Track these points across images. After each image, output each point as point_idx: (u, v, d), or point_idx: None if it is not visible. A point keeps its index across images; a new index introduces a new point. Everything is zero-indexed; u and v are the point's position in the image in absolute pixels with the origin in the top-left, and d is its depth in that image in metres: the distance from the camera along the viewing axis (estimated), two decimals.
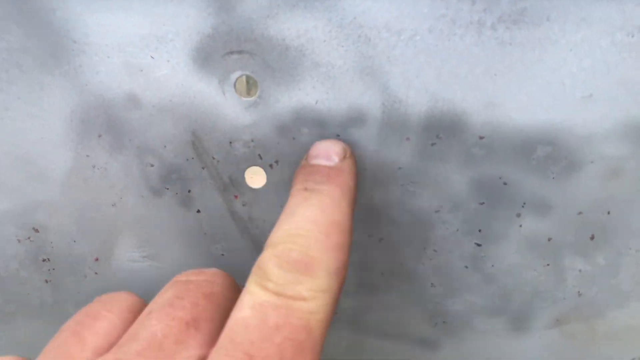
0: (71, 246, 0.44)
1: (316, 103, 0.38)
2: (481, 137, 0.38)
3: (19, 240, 0.45)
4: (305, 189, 0.34)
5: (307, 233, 0.30)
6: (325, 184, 0.34)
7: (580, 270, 0.41)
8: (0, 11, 0.38)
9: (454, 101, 0.37)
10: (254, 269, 0.30)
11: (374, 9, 0.35)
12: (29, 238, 0.45)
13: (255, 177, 0.41)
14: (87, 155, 0.41)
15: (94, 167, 0.42)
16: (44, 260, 0.45)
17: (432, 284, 0.43)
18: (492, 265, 0.41)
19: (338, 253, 0.30)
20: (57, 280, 0.46)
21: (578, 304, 0.42)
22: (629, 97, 0.36)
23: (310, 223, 0.31)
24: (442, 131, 0.38)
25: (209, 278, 0.34)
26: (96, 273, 0.45)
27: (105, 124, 0.40)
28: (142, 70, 0.39)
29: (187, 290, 0.32)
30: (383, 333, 0.45)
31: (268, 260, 0.29)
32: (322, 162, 0.37)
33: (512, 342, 0.44)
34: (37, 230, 0.44)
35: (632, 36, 0.35)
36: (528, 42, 0.36)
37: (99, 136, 0.41)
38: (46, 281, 0.46)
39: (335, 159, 0.37)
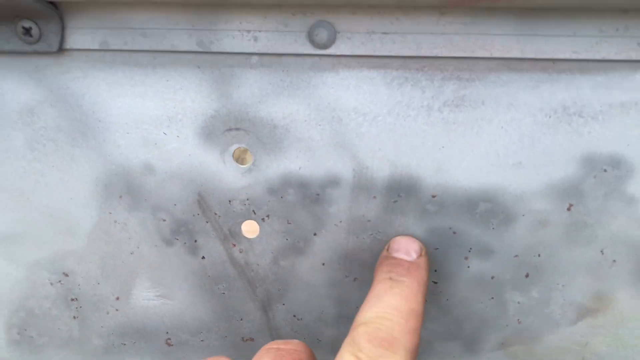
0: (95, 288, 0.52)
1: (299, 169, 0.47)
2: (433, 196, 0.47)
3: (51, 284, 0.53)
4: (390, 279, 0.42)
5: (391, 317, 0.37)
6: (406, 277, 0.42)
7: (518, 302, 0.49)
8: (40, 97, 0.47)
9: (411, 167, 0.46)
10: (348, 341, 0.37)
11: (344, 96, 0.44)
12: (59, 281, 0.53)
13: (250, 229, 0.49)
14: (110, 213, 0.50)
15: (115, 222, 0.50)
16: (72, 299, 0.53)
17: None
18: (447, 299, 0.50)
19: (414, 336, 0.37)
20: (83, 317, 0.54)
21: (518, 330, 0.51)
22: (550, 164, 0.45)
23: (394, 309, 0.38)
24: (402, 191, 0.47)
25: (295, 347, 0.40)
26: (117, 310, 0.53)
27: (125, 187, 0.49)
28: (156, 144, 0.47)
29: (281, 356, 0.38)
30: None
31: (361, 336, 0.36)
32: (403, 256, 0.45)
33: None
34: (66, 275, 0.52)
35: (549, 117, 0.44)
36: (468, 122, 0.44)
37: (120, 197, 0.49)
38: (74, 317, 0.54)
39: (413, 255, 0.45)
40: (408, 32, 0.42)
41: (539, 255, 0.48)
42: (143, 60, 0.45)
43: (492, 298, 0.49)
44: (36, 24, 0.44)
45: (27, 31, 0.44)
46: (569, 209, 0.46)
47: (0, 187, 0.50)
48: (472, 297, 0.49)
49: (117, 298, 0.53)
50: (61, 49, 0.45)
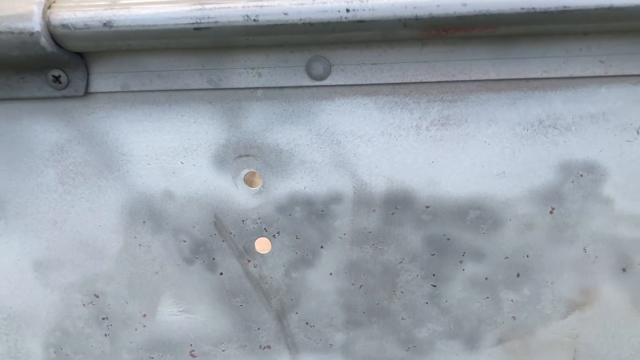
0: (124, 306, 0.57)
1: (304, 188, 0.52)
2: (427, 207, 0.51)
3: (83, 305, 0.58)
4: None
5: None
6: None
7: (512, 300, 0.54)
8: (68, 136, 0.52)
9: (405, 182, 0.51)
10: None
11: (341, 121, 0.49)
12: (91, 302, 0.57)
13: (263, 246, 0.54)
14: (135, 237, 0.55)
15: (140, 245, 0.55)
16: (103, 318, 0.58)
17: (402, 317, 0.55)
18: (446, 301, 0.54)
19: None
20: (113, 334, 0.59)
21: (514, 326, 0.55)
22: (530, 172, 0.50)
23: None
24: (398, 204, 0.51)
25: None
26: (144, 326, 0.58)
27: (148, 213, 0.54)
28: (174, 173, 0.53)
29: None
30: (368, 358, 0.57)
31: None
32: None
33: (468, 358, 0.56)
34: (97, 296, 0.57)
35: (527, 130, 0.49)
36: (454, 138, 0.49)
37: (144, 222, 0.54)
38: (105, 335, 0.59)
39: None
40: (394, 62, 0.47)
41: (527, 256, 0.52)
42: (160, 99, 0.50)
43: (487, 297, 0.54)
44: (64, 72, 0.50)
45: (57, 79, 0.50)
46: (551, 212, 0.50)
47: (35, 218, 0.55)
48: (469, 298, 0.54)
49: (144, 315, 0.57)
50: (86, 93, 0.50)
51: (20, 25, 0.43)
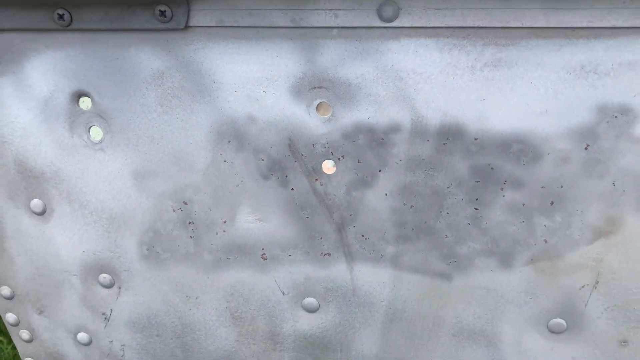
0: (208, 213, 0.67)
1: (368, 118, 0.60)
2: (475, 139, 0.59)
3: (173, 210, 0.68)
4: None
5: None
6: None
7: (545, 225, 0.61)
8: (168, 64, 0.61)
9: (457, 116, 0.58)
10: None
11: (405, 60, 0.57)
12: (180, 208, 0.68)
13: (329, 167, 0.63)
14: (221, 154, 0.64)
15: (225, 161, 0.64)
16: (189, 223, 0.68)
17: (446, 235, 0.63)
18: (486, 223, 0.62)
19: None
20: (197, 237, 0.69)
21: (545, 248, 0.62)
22: (570, 112, 0.56)
23: None
24: (450, 135, 0.59)
25: None
26: (224, 231, 0.68)
27: (233, 134, 0.63)
28: (257, 100, 0.61)
29: None
30: (414, 269, 0.66)
31: None
32: None
33: (502, 275, 0.64)
34: (185, 203, 0.67)
35: (570, 74, 0.55)
36: (504, 79, 0.56)
37: (229, 142, 0.63)
38: (190, 237, 0.69)
39: None
40: (456, 8, 0.54)
41: (561, 187, 0.59)
42: (249, 34, 0.58)
43: (523, 222, 0.61)
44: (169, 7, 0.58)
45: (162, 13, 0.59)
46: (586, 149, 0.57)
47: (136, 134, 0.65)
48: (506, 221, 0.61)
49: (225, 222, 0.67)
50: (187, 26, 0.59)
51: None
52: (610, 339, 0.65)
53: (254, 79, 0.61)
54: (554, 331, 0.65)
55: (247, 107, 0.62)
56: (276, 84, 0.60)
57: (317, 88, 0.60)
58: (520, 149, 0.58)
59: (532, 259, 0.63)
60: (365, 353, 0.71)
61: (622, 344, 0.64)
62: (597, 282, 0.62)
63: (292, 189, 0.64)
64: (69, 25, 0.61)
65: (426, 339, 0.68)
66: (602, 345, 0.65)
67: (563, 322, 0.65)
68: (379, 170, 0.62)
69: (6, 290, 0.78)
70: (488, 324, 0.66)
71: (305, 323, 0.71)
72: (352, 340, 0.70)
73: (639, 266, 0.61)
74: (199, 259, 0.70)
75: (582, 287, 0.63)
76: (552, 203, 0.60)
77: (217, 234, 0.68)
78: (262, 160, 0.64)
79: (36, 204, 0.70)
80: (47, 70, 0.64)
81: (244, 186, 0.65)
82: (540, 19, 0.53)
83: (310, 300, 0.69)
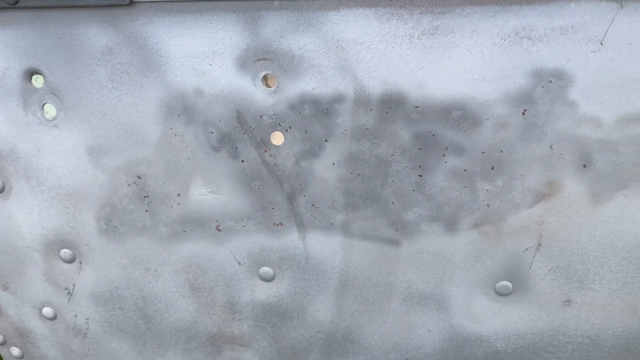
0: (162, 187, 0.68)
1: (313, 89, 0.61)
2: (416, 107, 0.60)
3: (128, 184, 0.69)
4: None
5: None
6: None
7: (487, 190, 0.63)
8: (116, 39, 0.62)
9: (398, 85, 0.59)
10: None
11: (345, 30, 0.58)
12: (134, 183, 0.69)
13: (277, 138, 0.64)
14: (171, 128, 0.65)
15: (175, 135, 0.66)
16: (144, 196, 0.69)
17: (392, 202, 0.65)
18: (430, 189, 0.64)
19: None
20: (153, 210, 0.70)
21: (488, 212, 0.64)
22: (506, 77, 0.57)
23: None
24: (392, 104, 0.60)
25: None
26: (179, 204, 0.69)
27: (182, 107, 0.64)
28: (204, 73, 0.62)
29: None
30: (363, 236, 0.68)
31: None
32: None
33: (447, 240, 0.66)
34: (140, 177, 0.69)
35: (504, 40, 0.56)
36: (441, 46, 0.57)
37: (178, 115, 0.64)
38: (146, 211, 0.70)
39: None
40: None
41: (501, 151, 0.61)
42: (193, 8, 0.59)
43: (466, 187, 0.63)
44: None
45: None
46: (523, 113, 0.59)
47: (89, 110, 0.66)
48: (449, 187, 0.63)
49: (179, 194, 0.69)
50: (131, 2, 0.60)
51: None
52: (554, 299, 0.67)
53: (199, 53, 0.62)
54: (501, 293, 0.67)
55: (194, 81, 0.63)
56: (222, 57, 0.61)
57: (262, 60, 0.61)
58: (459, 115, 0.60)
59: (476, 223, 0.65)
60: (320, 319, 0.72)
61: (566, 303, 0.67)
62: (539, 245, 0.64)
63: (243, 161, 0.66)
64: (16, 2, 0.62)
65: (378, 304, 0.70)
66: (547, 306, 0.67)
67: (509, 284, 0.67)
68: (326, 141, 0.63)
69: None
70: (437, 288, 0.68)
71: (262, 292, 0.72)
72: (307, 307, 0.72)
73: (579, 228, 0.63)
74: (156, 232, 0.71)
75: (526, 249, 0.65)
76: (492, 168, 0.62)
77: (171, 206, 0.69)
78: (212, 133, 0.65)
79: None
80: None
81: (195, 159, 0.66)
82: None
83: (265, 270, 0.71)
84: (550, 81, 0.57)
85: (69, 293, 0.77)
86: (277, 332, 0.74)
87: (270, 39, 0.60)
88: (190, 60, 0.62)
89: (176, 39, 0.61)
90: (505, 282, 0.67)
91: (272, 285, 0.72)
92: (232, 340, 0.76)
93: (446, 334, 0.71)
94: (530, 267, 0.65)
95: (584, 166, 0.60)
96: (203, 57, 0.62)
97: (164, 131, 0.66)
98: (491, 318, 0.69)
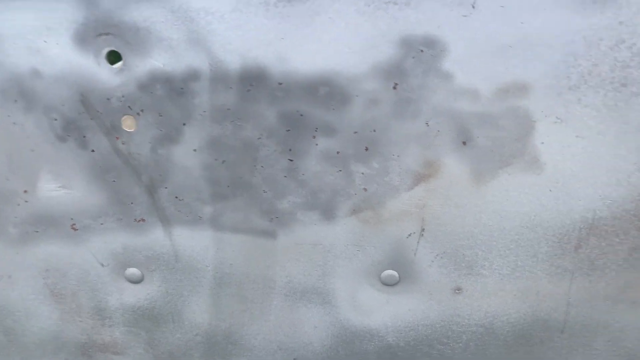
0: (5, 183, 0.60)
1: (163, 66, 0.54)
2: (280, 83, 0.54)
3: None
4: None
5: None
6: None
7: (362, 173, 0.57)
8: None
9: (257, 59, 0.53)
10: None
11: None
12: None
13: (129, 123, 0.57)
14: (9, 116, 0.57)
15: (14, 123, 0.58)
16: None
17: (264, 190, 0.59)
18: (303, 174, 0.58)
19: None
20: None
21: (365, 197, 0.59)
22: (373, 47, 0.52)
23: None
24: (253, 81, 0.54)
25: None
26: (26, 201, 0.61)
27: (18, 92, 0.56)
28: (39, 51, 0.54)
29: None
30: (236, 229, 0.61)
31: None
32: None
33: (326, 228, 0.61)
34: None
35: (369, 6, 0.51)
36: (300, 15, 0.51)
37: (15, 101, 0.57)
38: None
39: None
40: None
41: (374, 131, 0.55)
42: None
43: (340, 170, 0.57)
44: None
45: None
46: (394, 88, 0.54)
47: None
48: (323, 171, 0.57)
49: (25, 191, 0.61)
50: None
51: None
52: (444, 287, 0.62)
53: (32, 28, 0.54)
54: (387, 283, 0.62)
55: (29, 61, 0.55)
56: (58, 33, 0.54)
57: (103, 35, 0.54)
58: (327, 92, 0.54)
59: (354, 209, 0.59)
60: (198, 322, 0.66)
61: (457, 291, 0.62)
62: (423, 230, 0.60)
63: (93, 151, 0.58)
64: None
65: (259, 302, 0.65)
66: (437, 295, 0.63)
67: (395, 273, 0.62)
68: (184, 124, 0.57)
69: None
70: (320, 281, 0.63)
71: (131, 295, 0.65)
72: (182, 309, 0.66)
73: (463, 210, 0.58)
74: (4, 233, 0.63)
75: (409, 235, 0.60)
76: (366, 149, 0.56)
77: (19, 205, 0.61)
78: (56, 120, 0.57)
79: None
80: None
81: (39, 150, 0.59)
82: None
83: (132, 271, 0.64)
84: (422, 51, 0.52)
85: None
86: (152, 338, 0.68)
87: (111, 11, 0.53)
88: (23, 37, 0.54)
89: (4, 13, 0.53)
90: (390, 271, 0.62)
91: (142, 288, 0.65)
92: (105, 349, 0.68)
93: (334, 329, 0.65)
94: (415, 254, 0.61)
95: (464, 143, 0.55)
96: (37, 33, 0.54)
97: (1, 120, 0.58)
98: (379, 310, 0.64)
